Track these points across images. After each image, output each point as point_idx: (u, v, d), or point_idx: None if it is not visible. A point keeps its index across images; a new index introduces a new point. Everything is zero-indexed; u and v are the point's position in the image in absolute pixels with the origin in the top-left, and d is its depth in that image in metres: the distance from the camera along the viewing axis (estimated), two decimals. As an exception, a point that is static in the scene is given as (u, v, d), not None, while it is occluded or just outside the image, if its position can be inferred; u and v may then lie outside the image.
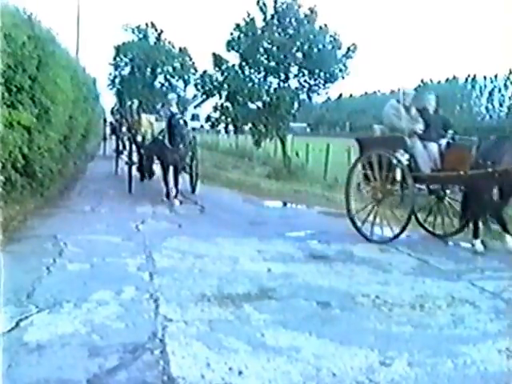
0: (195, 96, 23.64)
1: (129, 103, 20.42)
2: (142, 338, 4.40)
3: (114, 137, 22.30)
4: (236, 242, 8.15)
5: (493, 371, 4.09)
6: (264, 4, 20.92)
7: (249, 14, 21.07)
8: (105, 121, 27.71)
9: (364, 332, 4.76)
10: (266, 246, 7.92)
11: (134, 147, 14.44)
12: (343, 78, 21.07)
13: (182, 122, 11.53)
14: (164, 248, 7.61)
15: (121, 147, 17.72)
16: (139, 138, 14.32)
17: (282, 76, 21.01)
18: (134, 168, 13.90)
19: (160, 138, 12.24)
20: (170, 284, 5.94)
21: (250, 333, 4.63)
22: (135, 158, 14.38)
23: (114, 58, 49.41)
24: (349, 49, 20.75)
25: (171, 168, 12.01)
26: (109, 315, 4.91)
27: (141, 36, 50.25)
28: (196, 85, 22.26)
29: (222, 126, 22.87)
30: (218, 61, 20.90)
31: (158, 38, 50.50)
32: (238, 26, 21.09)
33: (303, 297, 5.67)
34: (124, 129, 17.60)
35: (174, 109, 13.12)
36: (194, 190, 13.41)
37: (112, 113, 25.21)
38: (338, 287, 6.09)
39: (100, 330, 4.56)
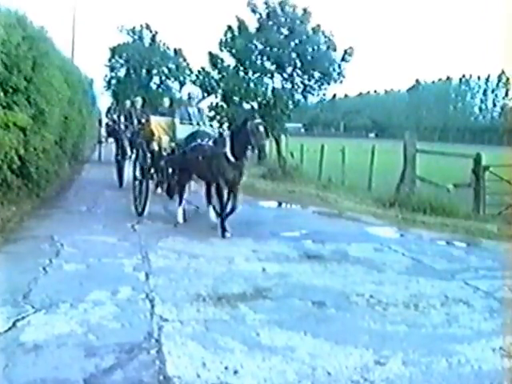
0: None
1: (128, 102, 18.41)
2: (138, 337, 4.43)
3: (110, 140, 20.39)
4: (231, 242, 8.17)
5: (487, 370, 4.13)
6: (255, 5, 20.93)
7: (238, 19, 21.06)
8: (100, 122, 23.96)
9: (359, 331, 4.79)
10: (261, 246, 7.94)
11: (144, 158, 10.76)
12: (341, 82, 21.06)
13: (262, 128, 8.58)
14: (160, 248, 7.62)
15: (128, 153, 14.62)
16: (156, 147, 10.59)
17: (278, 76, 21.00)
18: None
19: (205, 146, 9.08)
20: (166, 284, 5.96)
21: (245, 332, 4.66)
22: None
23: (110, 60, 49.28)
24: (346, 52, 20.73)
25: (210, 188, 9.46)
26: (105, 315, 4.93)
27: (136, 37, 50.16)
28: (194, 82, 22.12)
29: (216, 126, 22.74)
30: (214, 59, 20.86)
31: (153, 40, 50.38)
32: (229, 27, 21.06)
33: (298, 296, 5.69)
34: (128, 133, 14.99)
35: (194, 109, 10.71)
36: (232, 210, 8.87)
37: (108, 113, 23.57)
38: (332, 287, 6.11)
39: (96, 330, 4.57)
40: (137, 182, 10.72)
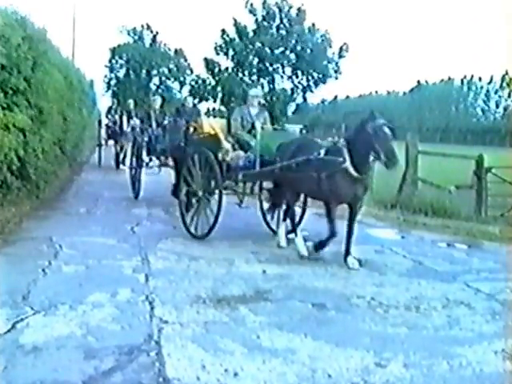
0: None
1: (131, 101, 17.66)
2: (138, 339, 4.41)
3: (110, 142, 20.58)
4: (231, 244, 8.13)
5: (488, 372, 4.11)
6: (252, 6, 21.00)
7: (235, 21, 21.10)
8: (100, 123, 22.78)
9: (359, 333, 4.77)
10: (261, 248, 7.91)
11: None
12: (336, 78, 21.15)
13: (387, 129, 6.78)
14: (159, 250, 7.59)
15: (145, 160, 12.94)
16: (226, 157, 8.53)
17: (276, 77, 21.05)
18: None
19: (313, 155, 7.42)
20: (166, 286, 5.93)
21: (245, 334, 4.64)
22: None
23: (110, 60, 49.37)
24: (341, 48, 20.84)
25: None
26: (104, 317, 4.91)
27: (136, 38, 50.26)
28: (191, 90, 22.21)
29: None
30: (210, 65, 20.90)
31: (154, 40, 50.53)
32: (223, 31, 21.08)
33: (298, 298, 5.67)
34: (145, 137, 12.78)
35: (256, 109, 9.09)
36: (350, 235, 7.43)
37: (109, 113, 22.87)
38: (333, 289, 6.09)
39: (95, 332, 4.55)
40: (192, 199, 8.98)
